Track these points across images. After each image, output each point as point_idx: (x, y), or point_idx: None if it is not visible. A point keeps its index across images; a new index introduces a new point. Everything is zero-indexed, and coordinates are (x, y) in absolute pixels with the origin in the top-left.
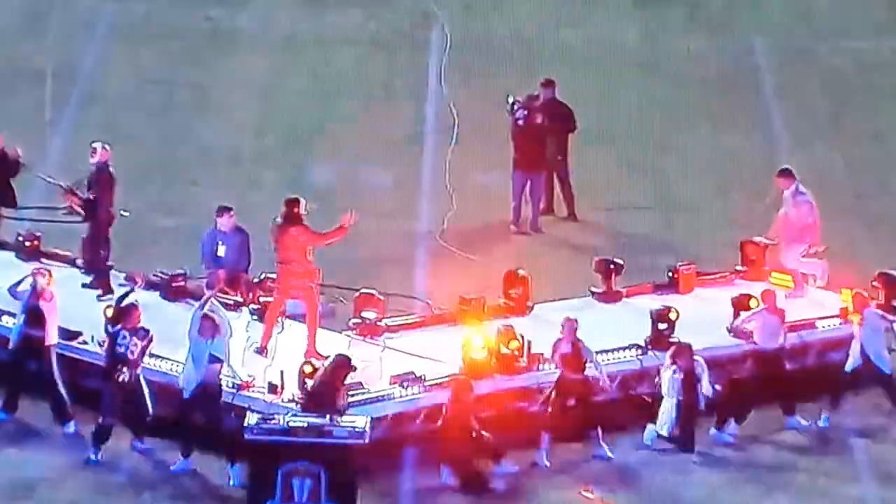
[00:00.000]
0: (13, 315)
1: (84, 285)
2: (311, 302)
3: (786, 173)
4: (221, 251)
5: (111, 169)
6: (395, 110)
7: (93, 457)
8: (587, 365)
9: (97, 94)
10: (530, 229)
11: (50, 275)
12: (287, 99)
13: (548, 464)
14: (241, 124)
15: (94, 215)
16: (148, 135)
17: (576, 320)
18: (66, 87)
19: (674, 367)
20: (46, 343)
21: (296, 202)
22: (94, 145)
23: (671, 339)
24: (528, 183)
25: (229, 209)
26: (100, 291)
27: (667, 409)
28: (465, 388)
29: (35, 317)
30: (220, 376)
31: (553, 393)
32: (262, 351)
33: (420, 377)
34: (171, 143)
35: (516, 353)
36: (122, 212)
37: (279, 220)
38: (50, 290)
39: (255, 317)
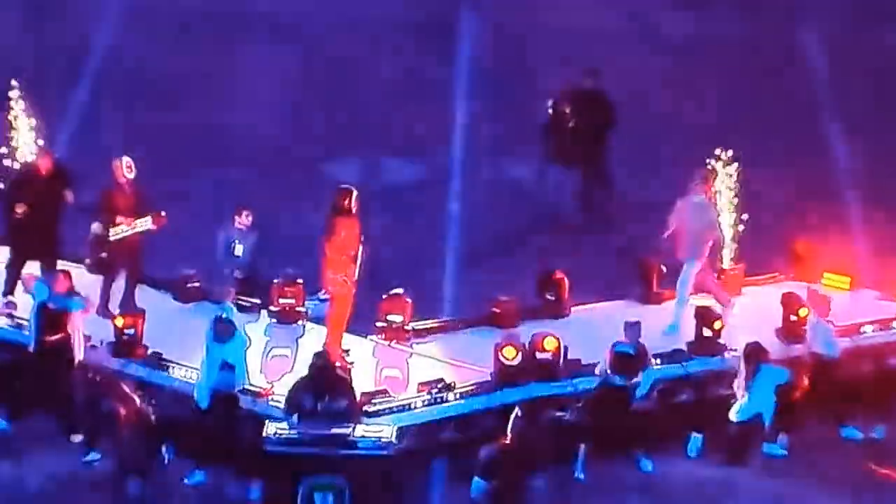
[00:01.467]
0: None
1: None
2: (340, 300)
3: (704, 178)
4: (238, 250)
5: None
6: (424, 100)
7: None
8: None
9: (107, 83)
10: (567, 226)
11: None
12: (309, 88)
13: (583, 477)
14: (259, 115)
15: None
16: (160, 126)
17: (639, 322)
18: (76, 74)
19: (750, 366)
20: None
21: (345, 193)
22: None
23: (720, 342)
24: (563, 178)
25: (246, 207)
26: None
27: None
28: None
29: (51, 322)
30: (238, 384)
31: (593, 401)
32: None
33: (450, 384)
34: (184, 135)
35: (552, 358)
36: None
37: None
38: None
39: (273, 320)
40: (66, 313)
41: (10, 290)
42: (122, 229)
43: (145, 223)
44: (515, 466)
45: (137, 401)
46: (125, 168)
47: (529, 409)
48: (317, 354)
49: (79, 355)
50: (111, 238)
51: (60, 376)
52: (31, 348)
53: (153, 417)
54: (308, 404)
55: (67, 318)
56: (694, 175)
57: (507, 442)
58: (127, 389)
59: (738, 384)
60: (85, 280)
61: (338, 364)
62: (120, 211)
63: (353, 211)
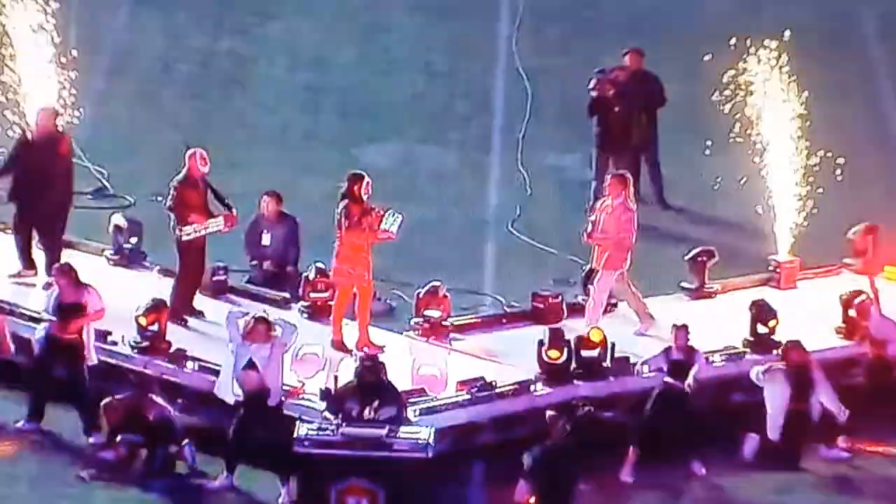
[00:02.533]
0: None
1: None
2: (343, 292)
3: (619, 179)
4: (266, 240)
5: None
6: (461, 83)
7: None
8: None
9: (126, 64)
10: None
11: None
12: (339, 70)
13: (630, 480)
14: (288, 99)
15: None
16: (181, 110)
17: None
18: (93, 55)
19: (784, 368)
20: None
21: (356, 179)
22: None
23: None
24: (611, 164)
25: (275, 194)
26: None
27: (773, 417)
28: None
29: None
30: (272, 384)
31: (644, 401)
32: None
33: (490, 383)
34: (207, 119)
35: (600, 356)
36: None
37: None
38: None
39: (305, 315)
40: (81, 309)
41: (27, 263)
42: (195, 229)
43: (217, 224)
44: (561, 469)
45: (160, 401)
46: (199, 160)
47: (573, 409)
48: (365, 358)
49: (90, 353)
50: (184, 238)
51: (74, 374)
52: (39, 343)
53: (175, 417)
54: (354, 411)
55: (82, 314)
56: (609, 180)
57: (552, 444)
58: (151, 394)
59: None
60: (106, 274)
61: (365, 359)
62: (193, 208)
63: (365, 199)
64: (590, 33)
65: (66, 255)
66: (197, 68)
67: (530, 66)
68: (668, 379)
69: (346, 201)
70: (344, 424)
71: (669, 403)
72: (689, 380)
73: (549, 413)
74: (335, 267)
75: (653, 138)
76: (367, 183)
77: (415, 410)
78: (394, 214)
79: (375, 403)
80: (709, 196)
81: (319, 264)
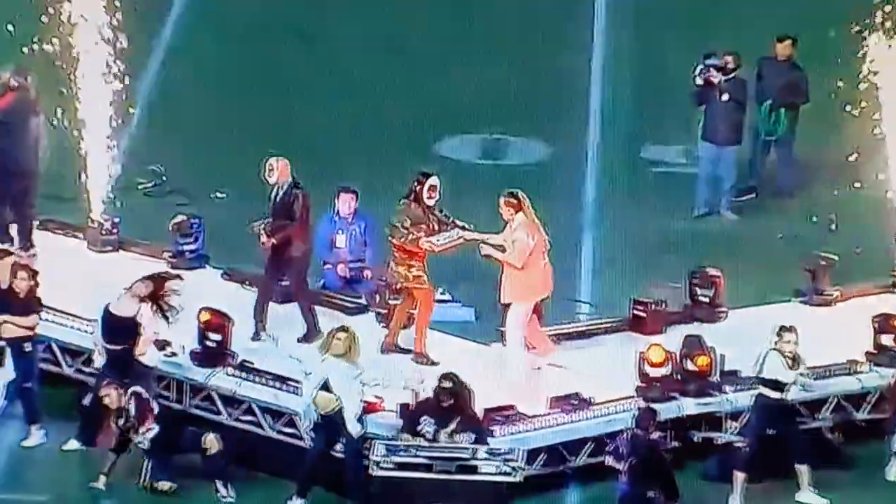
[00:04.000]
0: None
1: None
2: (423, 299)
3: (512, 197)
4: (340, 241)
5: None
6: (553, 68)
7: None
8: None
9: (185, 46)
10: (722, 214)
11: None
12: (415, 55)
13: None
14: (358, 86)
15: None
16: (244, 98)
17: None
18: (148, 39)
19: None
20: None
21: (421, 178)
22: (270, 161)
23: None
24: (717, 157)
25: (350, 190)
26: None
27: None
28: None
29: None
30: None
31: (751, 419)
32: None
33: (587, 399)
34: (273, 107)
35: (706, 369)
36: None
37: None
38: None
39: (381, 323)
40: (133, 324)
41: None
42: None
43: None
44: (663, 494)
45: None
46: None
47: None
48: (444, 376)
49: (150, 361)
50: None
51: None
52: (96, 359)
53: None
54: (430, 432)
55: (137, 325)
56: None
57: (652, 465)
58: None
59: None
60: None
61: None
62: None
63: (425, 199)
64: (696, 13)
65: (121, 258)
66: (261, 59)
67: (630, 48)
68: (764, 391)
69: (405, 201)
70: (426, 445)
71: (771, 418)
72: (790, 391)
73: (640, 405)
74: (391, 270)
75: (791, 133)
76: (432, 186)
77: (502, 429)
78: (449, 232)
79: (452, 426)
80: (845, 199)
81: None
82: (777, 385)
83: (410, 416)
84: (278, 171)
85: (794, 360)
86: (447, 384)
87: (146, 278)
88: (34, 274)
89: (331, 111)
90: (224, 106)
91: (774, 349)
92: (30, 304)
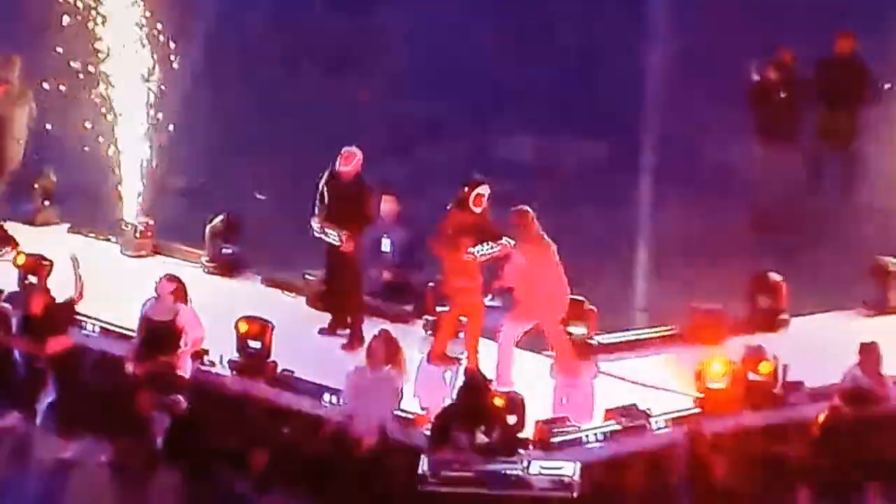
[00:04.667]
0: None
1: (321, 330)
2: (473, 312)
3: (515, 214)
4: (386, 246)
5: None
6: (606, 65)
7: None
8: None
9: (224, 41)
10: (781, 218)
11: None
12: (467, 53)
13: None
14: (408, 85)
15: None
16: (285, 95)
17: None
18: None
19: None
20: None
21: (469, 185)
22: (345, 150)
23: None
24: (774, 160)
25: (391, 192)
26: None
27: None
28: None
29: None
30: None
31: (821, 433)
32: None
33: (644, 411)
34: (315, 106)
35: (768, 380)
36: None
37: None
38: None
39: (429, 333)
40: (175, 326)
41: None
42: (332, 235)
43: (333, 237)
44: None
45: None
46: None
47: (735, 441)
48: (468, 373)
49: (186, 373)
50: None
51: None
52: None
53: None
54: (462, 439)
55: (176, 332)
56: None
57: (711, 481)
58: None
59: None
60: (202, 283)
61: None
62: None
63: (472, 207)
64: (755, 6)
65: (156, 263)
66: (303, 48)
67: (686, 46)
68: (837, 404)
69: (451, 208)
70: (476, 459)
71: (843, 435)
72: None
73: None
74: (442, 279)
75: (853, 132)
76: (480, 194)
77: (557, 442)
78: (489, 247)
79: (483, 426)
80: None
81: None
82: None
83: (439, 426)
84: (343, 160)
85: None
86: (473, 381)
87: (168, 279)
88: (46, 291)
89: (375, 107)
90: (265, 102)
91: None
92: (55, 323)
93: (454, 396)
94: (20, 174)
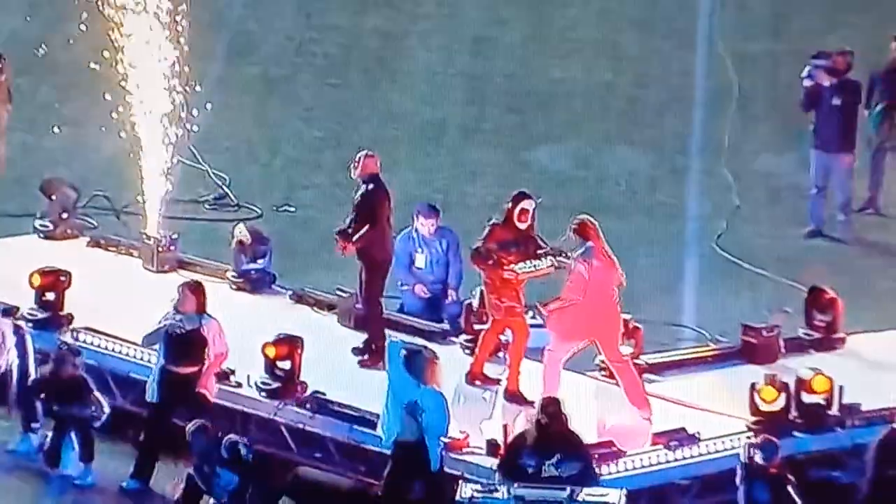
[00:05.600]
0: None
1: (355, 350)
2: (517, 331)
3: (579, 225)
4: (420, 260)
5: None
6: (652, 70)
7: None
8: None
9: (251, 45)
10: (838, 231)
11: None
12: (505, 55)
13: None
14: (443, 88)
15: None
16: (317, 101)
17: None
18: (212, 37)
19: None
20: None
21: (514, 199)
22: (358, 155)
23: None
24: (829, 168)
25: (434, 210)
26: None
27: None
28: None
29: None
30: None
31: (879, 458)
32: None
33: (694, 435)
34: (347, 112)
35: (824, 402)
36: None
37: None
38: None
39: (467, 351)
40: (200, 339)
41: None
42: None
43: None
44: None
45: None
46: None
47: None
48: (546, 401)
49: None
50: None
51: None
52: (151, 386)
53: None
54: (532, 466)
55: (202, 346)
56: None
57: None
58: None
59: None
60: (228, 300)
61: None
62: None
63: (516, 223)
64: (806, 10)
65: (180, 279)
66: (336, 50)
67: (736, 50)
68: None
69: (493, 222)
70: (517, 485)
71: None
72: None
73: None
74: (485, 296)
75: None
76: (524, 210)
77: (602, 468)
78: (532, 265)
79: (556, 458)
80: None
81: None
82: None
83: (510, 451)
84: (361, 167)
85: None
86: (550, 409)
87: (188, 291)
88: (75, 354)
89: (413, 114)
90: (293, 110)
91: None
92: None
93: (533, 422)
94: (39, 184)
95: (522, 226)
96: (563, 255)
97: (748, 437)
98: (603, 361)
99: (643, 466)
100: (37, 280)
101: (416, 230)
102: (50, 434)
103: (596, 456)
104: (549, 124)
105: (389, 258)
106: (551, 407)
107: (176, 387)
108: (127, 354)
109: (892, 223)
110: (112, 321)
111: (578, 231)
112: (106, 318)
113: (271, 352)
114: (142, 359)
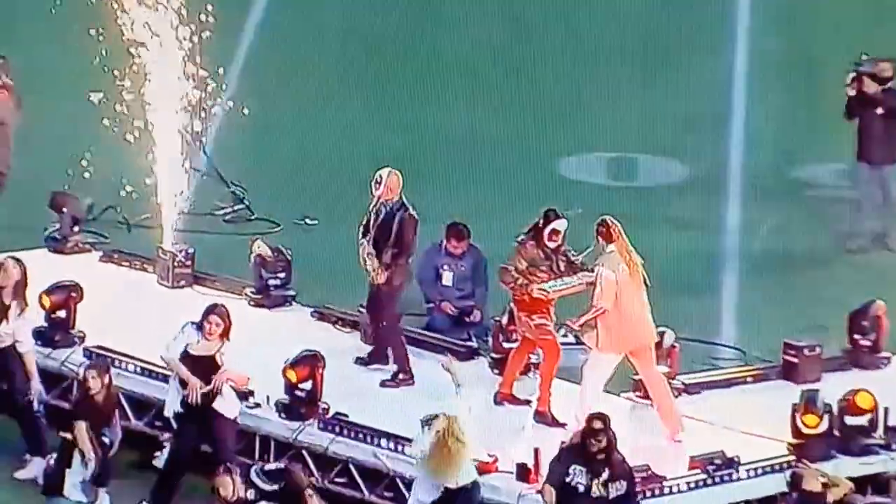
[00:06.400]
0: None
1: (359, 360)
2: (548, 348)
3: (601, 225)
4: (446, 278)
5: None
6: (687, 77)
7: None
8: None
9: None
10: (882, 243)
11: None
12: (531, 65)
13: None
14: (472, 97)
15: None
16: (333, 106)
17: None
18: (228, 41)
19: None
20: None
21: (545, 218)
22: (379, 173)
23: None
24: (874, 179)
25: (465, 232)
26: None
27: None
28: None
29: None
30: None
31: None
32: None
33: (733, 459)
34: (367, 118)
35: (868, 424)
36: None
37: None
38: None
39: (496, 371)
40: (214, 361)
41: None
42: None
43: (370, 268)
44: None
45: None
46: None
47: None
48: (593, 417)
49: (232, 413)
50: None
51: (206, 441)
52: (168, 410)
53: None
54: (583, 483)
55: (215, 367)
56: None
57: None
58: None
59: None
60: (246, 317)
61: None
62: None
63: (546, 242)
64: (847, 14)
65: (196, 294)
66: (357, 58)
67: (777, 54)
68: None
69: (524, 240)
70: None
71: None
72: None
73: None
74: (516, 314)
75: None
76: (555, 230)
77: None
78: (563, 282)
79: (605, 476)
80: None
81: (511, 306)
82: None
83: (557, 467)
84: (385, 186)
85: None
86: (599, 425)
87: (214, 315)
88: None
89: (441, 125)
90: (315, 119)
91: None
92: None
93: (580, 437)
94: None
95: (553, 245)
96: (591, 269)
97: (788, 464)
98: (639, 380)
99: (681, 491)
100: (46, 302)
101: (444, 247)
102: (52, 458)
103: (638, 479)
104: (579, 133)
105: (408, 281)
106: (600, 423)
107: (195, 408)
108: (141, 374)
109: None
110: (124, 338)
111: (600, 232)
112: (120, 335)
113: (292, 376)
114: (157, 377)
